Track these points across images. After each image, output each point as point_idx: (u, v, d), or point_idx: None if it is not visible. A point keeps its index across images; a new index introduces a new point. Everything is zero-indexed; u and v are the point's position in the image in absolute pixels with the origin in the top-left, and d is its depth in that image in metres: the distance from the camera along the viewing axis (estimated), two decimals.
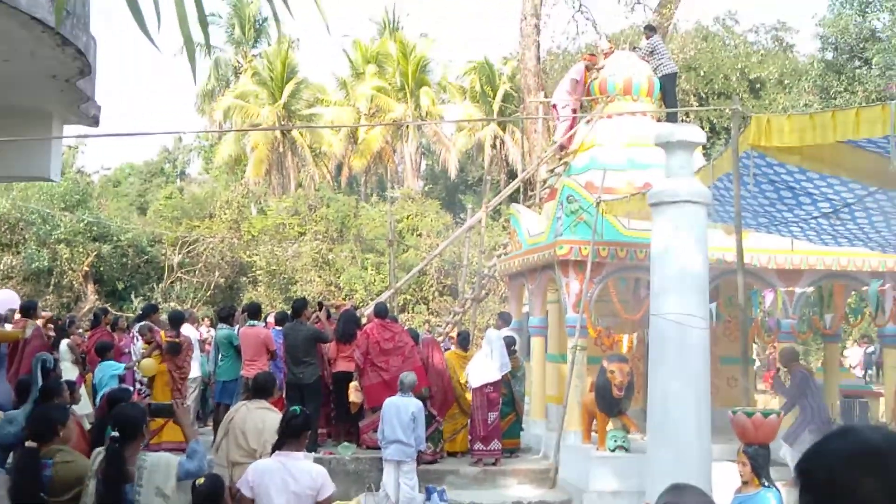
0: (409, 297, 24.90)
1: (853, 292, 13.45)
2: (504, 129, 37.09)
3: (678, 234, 7.42)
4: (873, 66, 24.49)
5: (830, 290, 12.32)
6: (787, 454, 10.56)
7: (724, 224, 9.95)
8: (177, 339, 10.78)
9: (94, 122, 7.89)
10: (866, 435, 1.54)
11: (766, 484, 5.61)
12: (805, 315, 13.01)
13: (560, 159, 15.26)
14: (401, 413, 9.66)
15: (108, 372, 10.51)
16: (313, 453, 10.48)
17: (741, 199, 7.91)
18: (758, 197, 8.26)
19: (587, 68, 14.62)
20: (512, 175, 32.03)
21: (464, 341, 12.79)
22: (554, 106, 14.97)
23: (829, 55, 27.09)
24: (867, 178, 7.02)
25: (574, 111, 14.38)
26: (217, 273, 25.74)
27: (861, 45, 25.46)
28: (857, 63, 25.79)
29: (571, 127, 14.38)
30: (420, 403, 9.86)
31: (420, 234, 26.86)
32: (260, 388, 7.49)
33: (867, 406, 13.81)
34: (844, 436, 1.57)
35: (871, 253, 11.26)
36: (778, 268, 11.84)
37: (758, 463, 5.79)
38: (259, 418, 7.15)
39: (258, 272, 25.93)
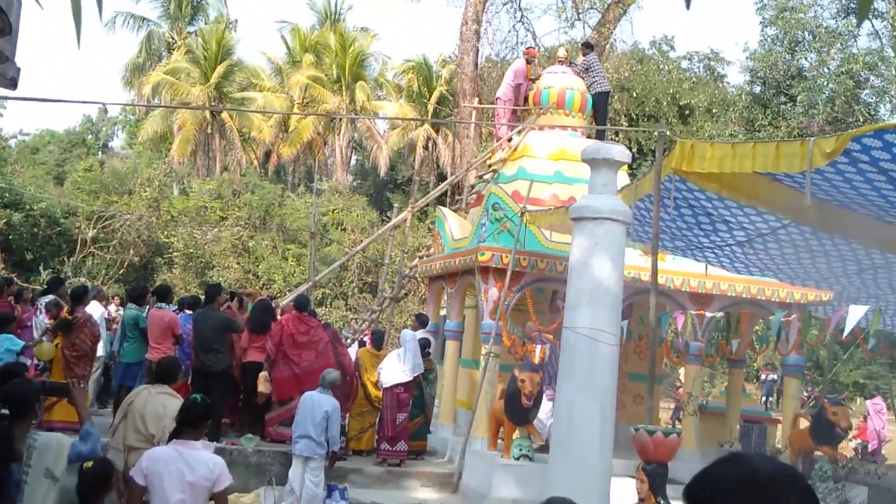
0: (328, 291, 24.68)
1: (760, 320, 13.86)
2: (437, 132, 37.14)
3: (596, 250, 7.52)
4: (797, 104, 25.36)
5: (738, 317, 12.67)
6: None
7: (643, 244, 10.13)
8: (69, 317, 10.36)
9: (13, 84, 7.57)
10: (755, 464, 1.53)
11: (662, 502, 5.71)
12: (713, 339, 13.37)
13: (490, 167, 15.34)
14: (315, 410, 9.52)
15: (5, 345, 10.10)
16: (215, 443, 10.28)
17: (660, 221, 8.06)
18: (676, 220, 8.43)
19: (528, 62, 14.79)
20: (441, 177, 32.09)
21: (378, 340, 12.73)
22: (498, 98, 15.00)
23: (757, 89, 27.94)
24: (782, 211, 7.22)
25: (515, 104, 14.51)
26: (132, 251, 25.06)
27: (787, 82, 26.34)
28: (783, 99, 26.66)
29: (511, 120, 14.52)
30: (336, 402, 9.73)
31: (345, 229, 26.66)
32: (163, 373, 7.31)
33: (765, 431, 14.25)
34: (733, 463, 1.55)
35: (780, 284, 11.63)
36: (691, 291, 12.13)
37: (655, 481, 5.89)
38: (160, 403, 6.97)
39: (175, 254, 25.36)
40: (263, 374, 11.19)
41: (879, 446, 17.37)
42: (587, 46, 15.30)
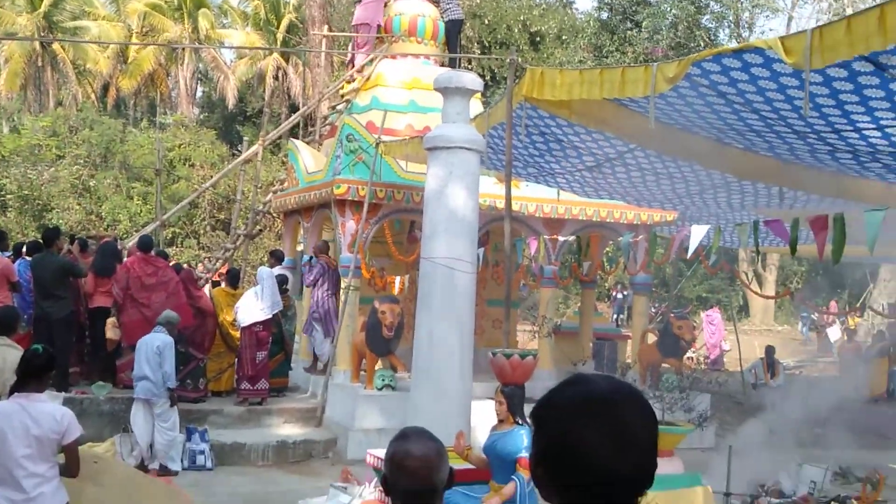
0: (178, 230, 23.80)
1: (610, 242, 14.39)
2: (287, 61, 35.99)
3: (451, 179, 7.50)
4: (643, 29, 26.04)
5: (588, 240, 13.08)
6: None
7: (497, 171, 10.22)
8: None
9: None
10: (593, 384, 1.58)
11: (520, 422, 5.85)
12: (566, 262, 13.76)
13: (343, 97, 15.02)
14: (148, 349, 9.21)
15: None
16: (64, 393, 9.81)
17: (513, 148, 8.12)
18: (528, 147, 8.51)
19: None
20: (293, 109, 31.24)
21: (233, 279, 12.41)
22: (361, 24, 14.38)
23: (605, 15, 28.48)
24: (628, 136, 7.40)
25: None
26: None
27: (633, 8, 26.96)
28: (629, 25, 27.30)
29: (368, 52, 14.11)
30: (168, 338, 9.38)
31: (193, 165, 25.60)
32: (1, 324, 6.85)
33: (616, 347, 14.90)
34: (573, 384, 1.60)
35: (627, 206, 12.05)
36: (544, 216, 12.40)
37: (513, 402, 6.01)
38: None
39: (8, 196, 23.70)
40: (111, 320, 10.72)
41: (721, 355, 18.55)
42: None
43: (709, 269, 11.93)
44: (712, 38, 26.48)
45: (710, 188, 8.44)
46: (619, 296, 27.43)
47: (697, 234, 7.30)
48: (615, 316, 25.95)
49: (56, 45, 32.90)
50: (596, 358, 14.06)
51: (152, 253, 11.28)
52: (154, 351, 9.14)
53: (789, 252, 6.72)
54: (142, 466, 9.10)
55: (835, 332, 22.88)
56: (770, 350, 16.41)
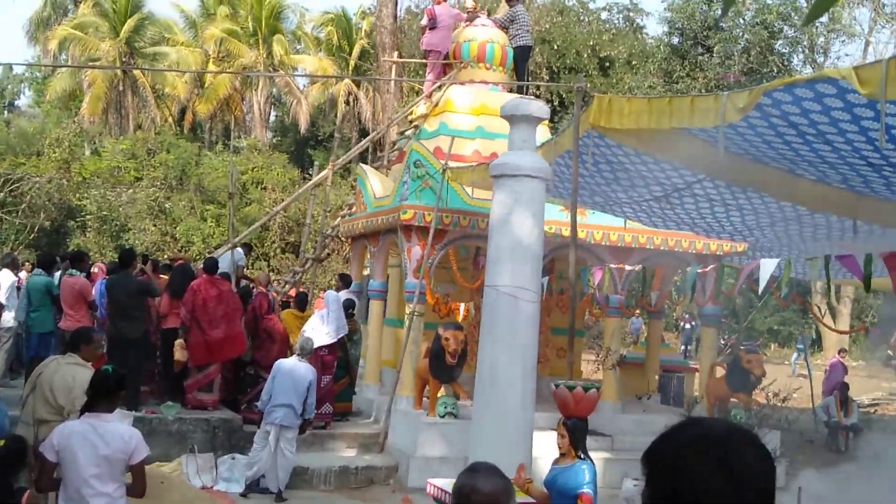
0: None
1: (678, 271, 14.13)
2: (358, 86, 36.57)
3: (517, 207, 7.49)
4: (714, 54, 25.73)
5: (654, 270, 12.88)
6: None
7: (563, 200, 10.16)
8: None
9: None
10: (711, 426, 1.63)
11: (582, 456, 5.76)
12: (633, 291, 13.57)
13: (411, 122, 15.16)
14: (297, 378, 9.39)
15: None
16: (134, 412, 10.03)
17: (580, 177, 8.07)
18: (595, 176, 8.45)
19: (469, 19, 14.45)
20: (364, 133, 31.69)
21: (301, 302, 12.58)
22: (431, 50, 14.54)
23: (675, 40, 28.23)
24: (697, 166, 7.29)
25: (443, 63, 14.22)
26: (43, 215, 24.15)
27: (705, 33, 26.66)
28: (700, 50, 27.01)
29: (437, 77, 14.25)
30: (314, 370, 9.68)
31: (265, 188, 26.12)
32: (74, 342, 7.04)
33: (683, 381, 14.61)
34: (688, 426, 1.64)
35: (696, 236, 11.84)
36: (610, 245, 12.25)
37: (576, 435, 5.93)
38: (69, 374, 6.71)
39: (88, 217, 24.52)
40: (179, 342, 10.94)
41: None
42: (515, 0, 15.12)
43: (780, 302, 11.64)
44: (786, 63, 26.02)
45: (781, 220, 8.24)
46: (688, 326, 26.92)
47: (768, 267, 7.13)
48: (683, 347, 25.48)
49: (137, 71, 34.00)
50: (662, 391, 13.80)
51: (217, 275, 11.48)
52: (306, 384, 9.39)
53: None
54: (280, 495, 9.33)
55: None
56: (844, 386, 15.88)
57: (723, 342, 19.62)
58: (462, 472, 2.74)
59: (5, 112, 42.05)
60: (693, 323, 25.23)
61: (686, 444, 1.58)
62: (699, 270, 9.18)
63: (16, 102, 45.67)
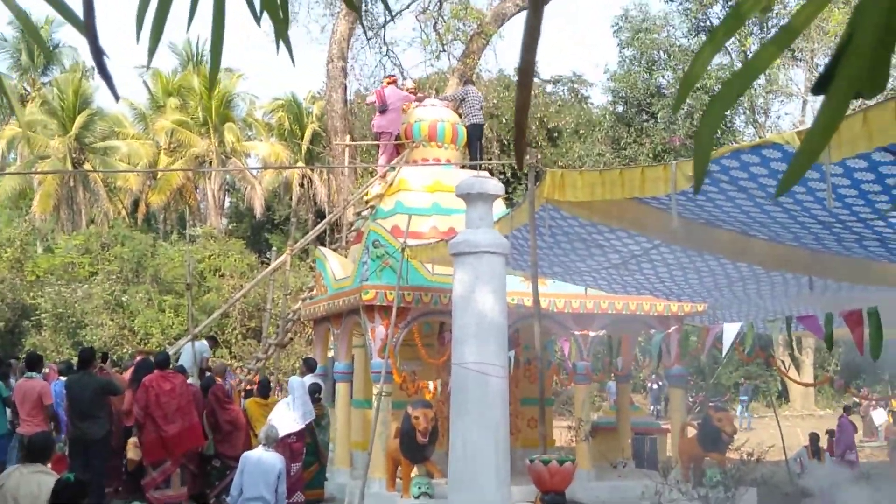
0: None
1: (642, 332, 14.23)
2: (312, 170, 36.81)
3: (478, 283, 7.54)
4: (659, 120, 26.42)
5: (619, 338, 12.97)
6: None
7: (523, 271, 10.25)
8: None
9: None
10: None
11: None
12: (599, 355, 13.59)
13: (367, 203, 15.27)
14: (265, 469, 9.08)
15: None
16: None
17: (538, 249, 8.17)
18: (553, 248, 8.56)
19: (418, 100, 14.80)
20: (320, 215, 31.77)
21: (263, 389, 12.38)
22: (385, 133, 14.77)
23: (620, 108, 28.97)
24: (651, 233, 7.43)
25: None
26: None
27: (648, 100, 27.42)
28: (645, 116, 27.73)
29: (390, 158, 14.45)
30: (283, 459, 9.41)
31: (223, 275, 25.94)
32: (36, 451, 6.82)
33: (656, 443, 14.57)
34: None
35: (656, 299, 11.98)
36: (573, 311, 12.33)
37: None
38: (34, 483, 6.49)
39: (43, 315, 24.07)
40: (132, 440, 10.67)
41: None
42: (467, 81, 15.51)
43: (744, 358, 11.76)
44: (728, 125, 26.77)
45: (738, 280, 8.41)
46: (655, 386, 27.00)
47: (730, 331, 7.24)
48: (652, 408, 25.50)
49: (88, 165, 33.87)
50: (635, 454, 13.74)
51: (170, 369, 11.29)
52: (276, 474, 9.08)
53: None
54: None
55: (880, 416, 22.26)
56: (814, 437, 15.96)
57: (691, 399, 19.69)
58: None
59: None
60: (661, 383, 25.31)
61: None
62: (662, 336, 9.27)
63: None
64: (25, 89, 38.44)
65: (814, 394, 29.64)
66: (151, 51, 1.27)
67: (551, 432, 14.74)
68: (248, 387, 14.85)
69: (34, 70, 38.70)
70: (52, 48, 38.50)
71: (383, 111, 14.66)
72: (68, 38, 39.87)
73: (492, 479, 7.60)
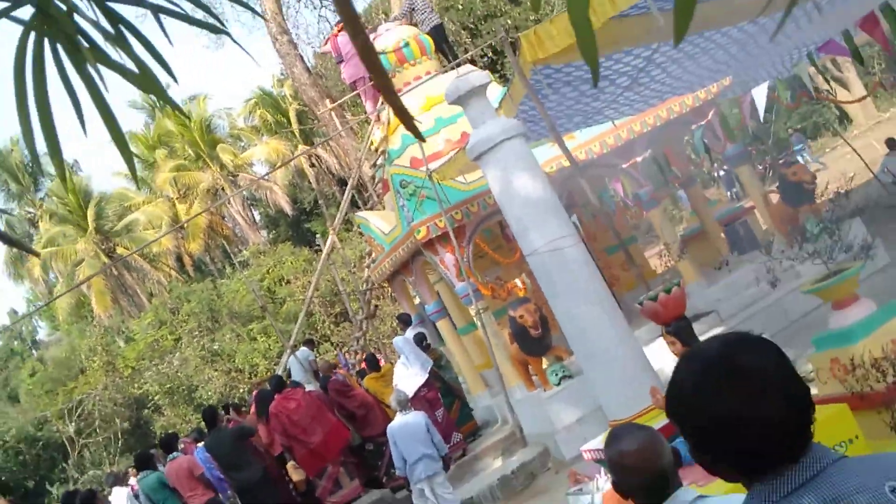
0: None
1: (688, 132, 13.94)
2: (312, 145, 36.66)
3: (510, 173, 7.46)
4: None
5: (664, 155, 12.72)
6: None
7: (546, 137, 10.09)
8: None
9: None
10: (702, 351, 1.58)
11: None
12: (655, 175, 13.40)
13: (377, 151, 15.18)
14: (413, 430, 9.22)
15: None
16: None
17: (549, 110, 8.00)
18: (562, 102, 8.36)
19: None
20: (342, 183, 31.75)
21: (372, 363, 12.62)
22: (358, 79, 14.61)
23: None
24: (644, 41, 7.20)
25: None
26: (117, 420, 24.52)
27: None
28: None
29: (375, 98, 14.32)
30: (422, 413, 9.60)
31: (288, 281, 26.31)
32: None
33: (747, 223, 14.38)
34: (687, 364, 1.60)
35: (682, 96, 11.68)
36: (612, 148, 12.14)
37: (684, 337, 5.90)
38: None
39: (155, 397, 24.86)
40: (290, 464, 11.04)
41: None
42: None
43: (790, 107, 11.46)
44: None
45: (747, 40, 8.12)
46: (722, 173, 26.62)
47: (760, 94, 7.02)
48: (729, 193, 25.20)
49: (120, 248, 34.41)
50: (735, 246, 13.60)
51: (288, 387, 11.54)
52: (423, 429, 9.26)
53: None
54: None
55: None
56: (890, 141, 15.60)
57: (760, 168, 19.34)
58: (605, 446, 2.75)
59: (33, 352, 42.70)
60: (724, 167, 24.94)
61: (690, 384, 1.54)
62: (703, 123, 9.05)
63: (37, 338, 46.39)
64: (29, 212, 38.99)
65: (871, 102, 28.86)
66: (61, 176, 1.26)
67: (647, 266, 14.74)
68: (362, 366, 15.17)
69: (27, 191, 39.13)
70: (32, 162, 38.78)
71: (344, 61, 14.43)
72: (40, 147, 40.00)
73: (613, 337, 7.64)
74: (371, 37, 14.31)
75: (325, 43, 14.87)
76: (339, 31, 15.08)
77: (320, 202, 30.61)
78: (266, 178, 36.06)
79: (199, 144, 37.26)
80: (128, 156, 1.33)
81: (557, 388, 10.82)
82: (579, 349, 7.75)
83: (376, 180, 15.81)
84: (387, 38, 13.99)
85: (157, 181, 37.37)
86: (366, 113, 15.83)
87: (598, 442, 7.20)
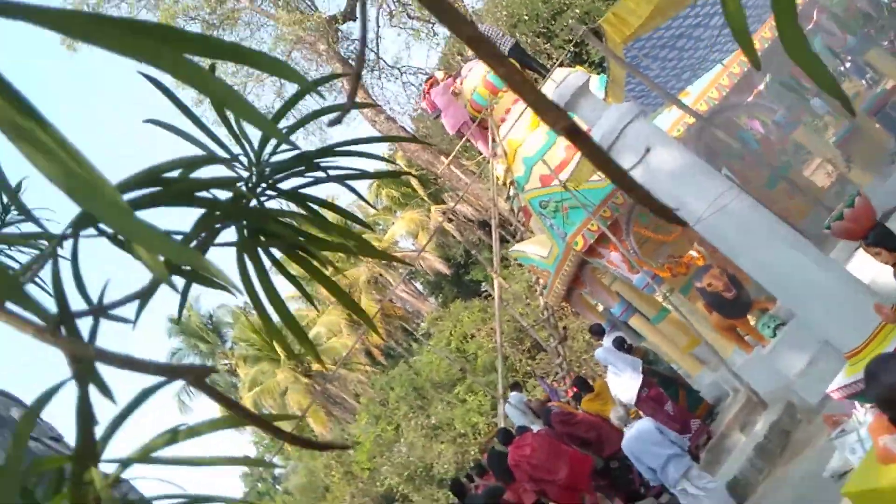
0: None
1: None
2: (446, 212, 37.08)
3: (644, 155, 7.33)
4: None
5: (788, 73, 12.18)
6: None
7: (663, 105, 9.91)
8: None
9: None
10: None
11: None
12: (787, 98, 12.81)
13: (506, 184, 15.28)
14: (646, 437, 9.03)
15: None
16: None
17: (654, 77, 7.88)
18: (665, 65, 8.23)
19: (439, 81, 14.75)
20: (483, 225, 32.02)
21: (582, 385, 12.53)
22: (462, 125, 14.76)
23: None
24: None
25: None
26: None
27: None
28: None
29: (485, 137, 14.47)
30: (649, 418, 9.40)
31: (472, 335, 26.58)
32: None
33: None
34: None
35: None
36: (731, 87, 11.73)
37: (888, 242, 5.60)
38: None
39: (399, 487, 25.54)
40: None
41: None
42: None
43: None
44: None
45: None
46: (848, 65, 25.06)
47: None
48: (863, 80, 23.68)
49: (315, 365, 35.74)
50: (894, 130, 12.73)
51: (516, 435, 11.58)
52: (656, 432, 9.06)
53: None
54: None
55: None
56: None
57: (886, 43, 18.07)
58: (869, 387, 2.66)
59: (277, 488, 44.70)
60: (849, 59, 23.49)
61: None
62: (810, 26, 8.62)
63: (274, 473, 48.69)
64: (225, 363, 41.25)
65: None
66: (316, 358, 1.34)
67: (813, 185, 14.04)
68: (571, 392, 15.08)
69: (217, 346, 41.56)
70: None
71: (441, 113, 14.69)
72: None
73: (813, 269, 7.27)
74: (458, 80, 14.51)
75: (423, 97, 15.09)
76: (429, 88, 15.33)
77: (472, 252, 30.94)
78: (419, 251, 36.81)
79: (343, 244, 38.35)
80: (305, 341, 1.42)
81: (776, 339, 10.39)
82: (783, 295, 7.44)
83: (516, 212, 15.88)
84: (472, 77, 14.15)
85: (322, 292, 38.75)
86: (480, 154, 15.99)
87: (843, 378, 6.85)
